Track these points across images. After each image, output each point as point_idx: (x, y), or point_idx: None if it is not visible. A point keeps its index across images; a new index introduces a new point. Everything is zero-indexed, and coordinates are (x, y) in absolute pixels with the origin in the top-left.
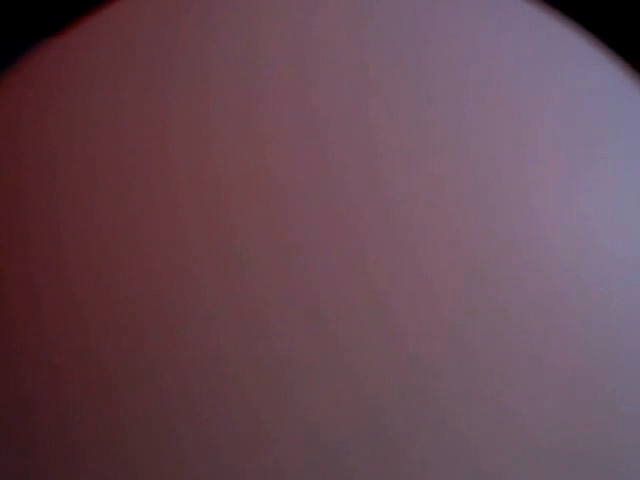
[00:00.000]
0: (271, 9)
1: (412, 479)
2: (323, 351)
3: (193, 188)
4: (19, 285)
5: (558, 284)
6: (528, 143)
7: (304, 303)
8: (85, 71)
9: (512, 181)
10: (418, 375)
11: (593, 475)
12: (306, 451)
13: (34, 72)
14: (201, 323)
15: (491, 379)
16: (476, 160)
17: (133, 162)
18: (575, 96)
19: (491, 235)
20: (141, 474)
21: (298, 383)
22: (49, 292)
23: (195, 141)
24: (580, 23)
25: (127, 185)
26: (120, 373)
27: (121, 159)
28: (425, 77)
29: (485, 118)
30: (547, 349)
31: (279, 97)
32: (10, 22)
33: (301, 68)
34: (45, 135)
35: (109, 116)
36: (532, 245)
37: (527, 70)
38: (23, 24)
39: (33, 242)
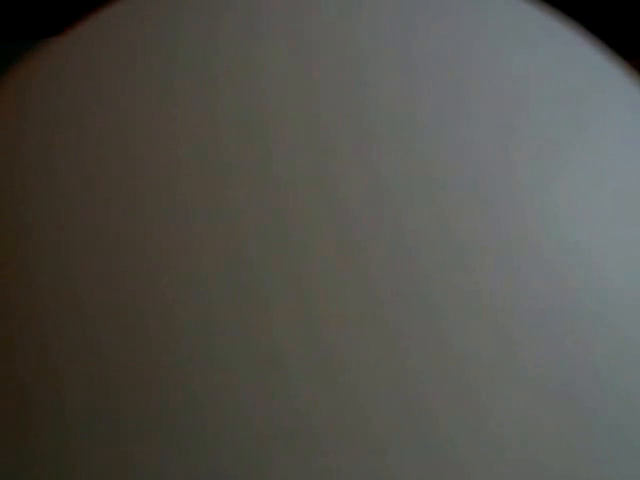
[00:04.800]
0: (270, 7)
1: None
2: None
3: (191, 186)
4: (18, 283)
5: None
6: (520, 141)
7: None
8: (85, 71)
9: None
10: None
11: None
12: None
13: (34, 72)
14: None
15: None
16: (472, 155)
17: (135, 161)
18: (575, 97)
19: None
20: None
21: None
22: (50, 291)
23: (195, 140)
24: (580, 23)
25: (129, 184)
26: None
27: (123, 158)
28: (417, 71)
29: (477, 111)
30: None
31: (279, 96)
32: (10, 23)
33: (301, 66)
34: (45, 135)
35: (109, 116)
36: (519, 233)
37: (525, 69)
38: (23, 25)
39: (33, 242)
